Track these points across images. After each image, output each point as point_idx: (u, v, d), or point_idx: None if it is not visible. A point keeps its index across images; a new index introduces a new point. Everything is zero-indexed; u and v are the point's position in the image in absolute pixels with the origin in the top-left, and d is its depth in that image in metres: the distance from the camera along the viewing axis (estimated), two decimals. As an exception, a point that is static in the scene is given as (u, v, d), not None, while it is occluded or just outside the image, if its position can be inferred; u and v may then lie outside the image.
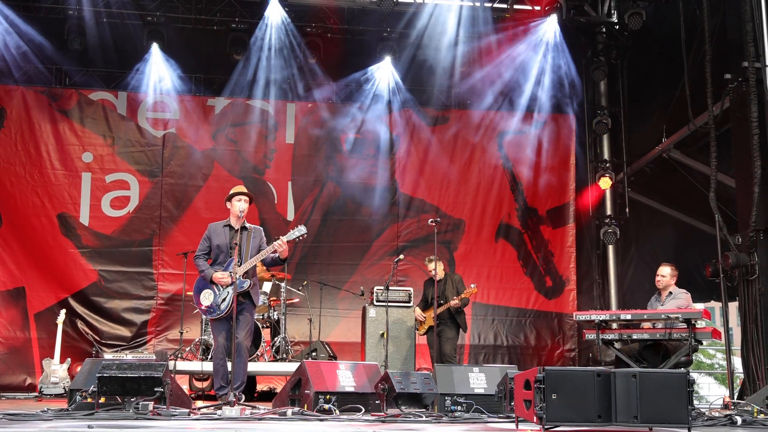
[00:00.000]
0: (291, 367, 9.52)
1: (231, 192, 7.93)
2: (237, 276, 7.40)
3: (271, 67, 12.77)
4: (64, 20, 12.30)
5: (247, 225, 7.74)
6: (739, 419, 6.40)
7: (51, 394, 10.39)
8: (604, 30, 13.57)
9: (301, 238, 7.67)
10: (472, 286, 10.19)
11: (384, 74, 13.22)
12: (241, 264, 7.49)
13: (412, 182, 13.59)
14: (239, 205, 7.67)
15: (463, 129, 13.78)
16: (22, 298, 12.38)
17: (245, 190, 7.89)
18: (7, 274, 12.36)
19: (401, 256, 11.35)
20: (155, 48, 12.68)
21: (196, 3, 12.63)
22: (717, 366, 24.60)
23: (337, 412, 6.63)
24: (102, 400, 6.55)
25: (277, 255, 7.56)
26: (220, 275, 7.53)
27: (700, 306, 8.63)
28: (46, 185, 12.70)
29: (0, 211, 12.46)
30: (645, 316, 8.19)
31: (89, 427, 4.87)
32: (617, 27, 13.33)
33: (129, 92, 13.05)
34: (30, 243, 12.47)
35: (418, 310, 10.60)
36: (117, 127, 13.03)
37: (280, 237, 7.54)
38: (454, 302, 10.07)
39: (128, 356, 11.00)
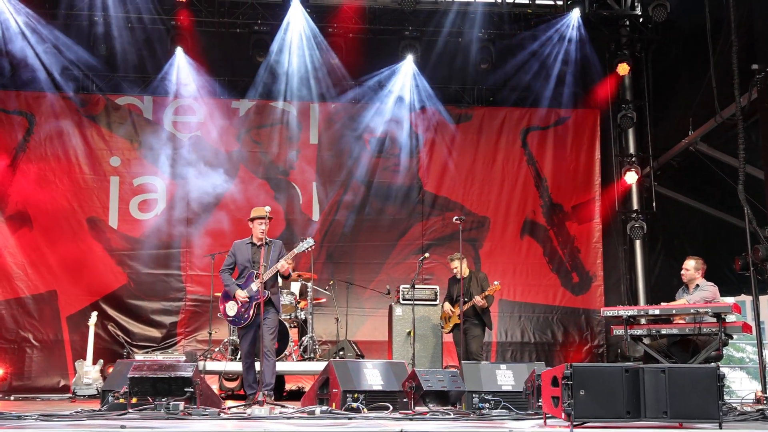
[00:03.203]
0: (319, 366, 9.53)
1: (252, 215, 8.27)
2: (255, 288, 7.88)
3: (294, 68, 12.79)
4: (90, 27, 12.39)
5: (267, 240, 8.14)
6: (771, 414, 6.29)
7: (84, 395, 10.49)
8: (627, 23, 13.44)
9: (309, 249, 8.22)
10: (496, 283, 10.14)
11: (406, 73, 13.18)
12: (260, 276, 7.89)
13: (437, 180, 13.56)
14: (259, 228, 8.12)
15: (487, 126, 13.74)
16: (54, 301, 12.52)
17: (264, 214, 8.17)
18: (39, 277, 12.51)
19: (426, 255, 11.31)
20: (179, 52, 12.75)
21: (219, 6, 12.67)
22: (748, 360, 24.24)
23: (365, 410, 6.62)
24: (134, 400, 6.61)
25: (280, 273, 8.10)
26: (240, 294, 7.98)
27: (730, 300, 8.52)
28: (76, 189, 12.84)
29: (31, 215, 12.61)
30: (674, 311, 8.08)
31: (122, 427, 4.90)
32: (641, 20, 13.19)
33: (155, 96, 13.16)
34: (61, 247, 12.59)
35: (447, 305, 10.54)
36: (143, 131, 13.13)
37: (281, 258, 8.01)
38: (479, 301, 10.01)
39: (159, 357, 11.06)
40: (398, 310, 10.92)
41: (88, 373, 10.74)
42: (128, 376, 6.74)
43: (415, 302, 10.82)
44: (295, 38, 12.52)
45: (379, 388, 6.99)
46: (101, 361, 10.96)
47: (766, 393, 8.78)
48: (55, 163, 12.83)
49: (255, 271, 7.96)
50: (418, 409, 6.71)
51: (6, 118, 12.82)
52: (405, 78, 13.22)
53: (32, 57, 12.34)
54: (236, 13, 12.73)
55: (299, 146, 13.42)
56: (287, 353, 10.37)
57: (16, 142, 12.78)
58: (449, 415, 6.44)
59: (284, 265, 7.93)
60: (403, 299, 10.97)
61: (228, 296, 8.16)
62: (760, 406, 7.15)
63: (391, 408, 6.70)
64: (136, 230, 12.92)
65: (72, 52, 12.50)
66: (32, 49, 12.29)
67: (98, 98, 13.04)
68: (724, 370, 5.42)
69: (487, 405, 6.83)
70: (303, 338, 10.76)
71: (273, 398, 8.04)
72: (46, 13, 12.22)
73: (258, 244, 8.10)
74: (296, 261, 10.90)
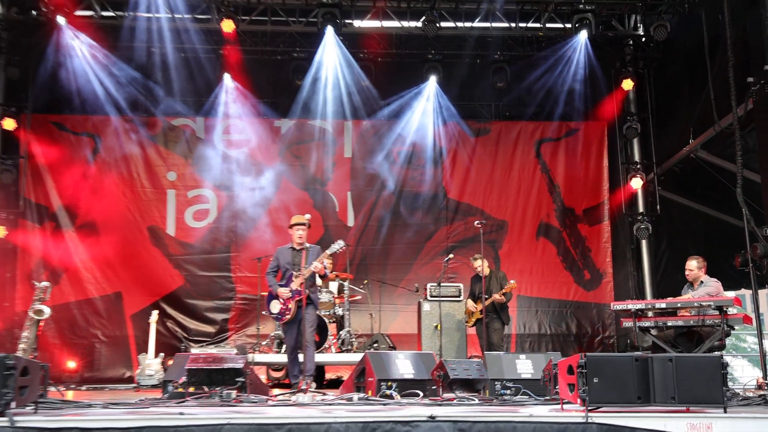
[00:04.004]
0: (355, 357, 9.52)
1: (291, 223, 8.36)
2: (295, 287, 7.96)
3: (329, 90, 12.81)
4: (148, 56, 12.55)
5: (306, 245, 8.24)
6: (772, 398, 6.16)
7: (147, 385, 10.59)
8: (631, 42, 13.35)
9: (341, 250, 8.30)
10: (512, 281, 10.14)
11: (430, 92, 13.15)
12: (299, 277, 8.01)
13: (459, 188, 13.52)
14: (297, 234, 8.23)
15: (504, 138, 13.70)
16: (120, 301, 12.66)
17: (302, 221, 8.28)
18: (105, 280, 12.66)
19: (451, 256, 11.33)
20: (227, 77, 12.87)
21: (261, 36, 12.78)
22: (750, 349, 23.89)
23: (398, 396, 6.62)
24: (191, 389, 6.67)
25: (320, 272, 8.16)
26: (282, 291, 8.08)
27: (731, 294, 8.39)
28: (137, 201, 12.99)
29: (98, 225, 12.77)
30: (679, 305, 8.00)
31: (181, 413, 4.93)
32: (643, 39, 13.10)
33: (206, 117, 13.25)
34: (125, 252, 12.73)
35: (470, 302, 10.53)
36: (196, 148, 13.24)
37: (316, 260, 8.05)
38: (498, 297, 10.00)
39: (212, 350, 11.13)
40: (426, 306, 10.90)
41: (150, 365, 10.83)
42: (186, 367, 6.80)
43: (441, 299, 10.82)
44: (330, 63, 12.55)
45: (411, 376, 6.97)
46: (162, 354, 11.05)
47: (767, 379, 8.62)
48: (119, 178, 12.99)
49: (294, 273, 8.04)
50: (446, 395, 6.68)
51: (75, 139, 13.00)
52: (429, 97, 13.19)
53: (97, 84, 12.47)
54: (277, 41, 12.84)
55: (335, 160, 13.44)
56: (327, 346, 10.38)
57: (85, 160, 12.95)
58: (474, 400, 6.40)
59: (317, 266, 7.98)
60: (431, 296, 10.95)
61: (272, 296, 8.23)
62: (762, 392, 7.00)
63: (422, 395, 6.68)
64: (191, 237, 13.03)
65: (133, 80, 12.64)
66: (97, 77, 12.45)
67: (156, 120, 13.16)
68: (727, 358, 5.31)
69: (508, 391, 6.78)
70: (341, 332, 10.76)
71: (315, 386, 8.07)
72: (109, 45, 12.37)
73: (298, 248, 8.19)
74: (334, 263, 10.96)
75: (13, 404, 4.76)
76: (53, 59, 12.20)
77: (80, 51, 12.18)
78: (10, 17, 12.36)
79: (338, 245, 8.22)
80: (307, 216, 8.40)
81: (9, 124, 12.37)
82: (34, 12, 12.17)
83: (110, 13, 12.17)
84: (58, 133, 12.95)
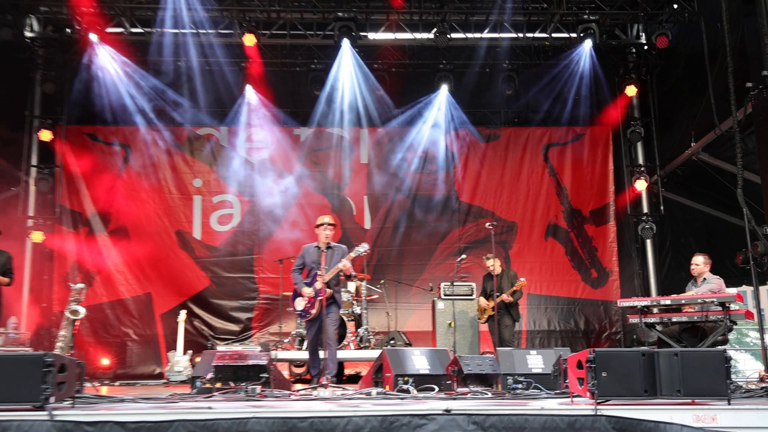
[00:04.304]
0: (373, 354, 9.53)
1: (318, 222, 8.14)
2: (321, 286, 7.77)
3: (345, 99, 12.83)
4: (175, 70, 12.62)
5: (332, 244, 8.06)
6: (774, 391, 6.10)
7: (176, 381, 10.62)
8: (633, 50, 13.29)
9: (365, 252, 8.08)
10: (522, 279, 10.11)
11: (441, 100, 13.14)
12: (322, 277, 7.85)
13: (470, 192, 13.49)
14: (324, 233, 8.02)
15: (513, 144, 13.65)
16: (150, 301, 12.73)
17: (330, 220, 8.11)
18: (136, 282, 12.74)
19: (463, 256, 11.29)
20: (249, 88, 12.93)
21: (281, 49, 12.83)
22: (752, 344, 23.73)
23: (414, 391, 6.59)
24: (218, 385, 6.66)
25: (344, 272, 7.94)
26: (306, 290, 7.91)
27: (733, 290, 8.31)
28: (165, 207, 13.06)
29: (129, 229, 12.86)
30: (683, 301, 7.93)
31: (209, 408, 4.95)
32: (645, 47, 13.02)
33: (229, 126, 13.30)
34: (154, 255, 12.80)
35: (482, 300, 10.50)
36: (221, 156, 13.30)
37: (343, 259, 7.86)
38: (506, 297, 9.97)
39: (237, 348, 11.16)
40: (440, 305, 10.89)
41: (179, 362, 10.87)
42: (213, 364, 6.80)
43: (455, 297, 10.81)
44: (346, 74, 12.57)
45: (426, 371, 6.95)
46: (190, 351, 11.08)
47: (768, 372, 8.53)
48: (148, 185, 13.07)
49: (319, 272, 7.86)
50: (461, 389, 6.66)
51: (107, 149, 13.10)
52: (440, 104, 13.18)
53: (127, 97, 12.58)
54: (296, 54, 12.88)
55: (352, 165, 13.46)
56: (345, 343, 10.38)
57: (116, 169, 13.05)
58: (487, 394, 6.38)
59: (346, 264, 7.79)
60: (444, 295, 10.94)
61: (297, 293, 8.10)
62: (764, 384, 6.93)
63: (437, 389, 6.65)
64: (216, 240, 13.08)
65: (160, 92, 12.74)
66: (127, 90, 12.54)
67: (182, 130, 13.24)
68: (730, 352, 5.26)
69: (520, 385, 6.74)
70: (359, 330, 10.76)
71: (335, 382, 8.01)
72: (138, 60, 12.47)
73: (323, 248, 8.02)
74: (352, 264, 10.94)
75: (51, 399, 4.79)
76: (86, 74, 12.33)
77: (111, 66, 12.29)
78: (45, 35, 12.51)
79: (362, 248, 8.02)
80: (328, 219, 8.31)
81: (45, 135, 12.51)
82: (68, 30, 12.30)
83: (139, 30, 12.26)
84: (91, 143, 13.06)
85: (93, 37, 11.83)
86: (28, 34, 12.41)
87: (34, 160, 12.75)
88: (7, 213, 11.80)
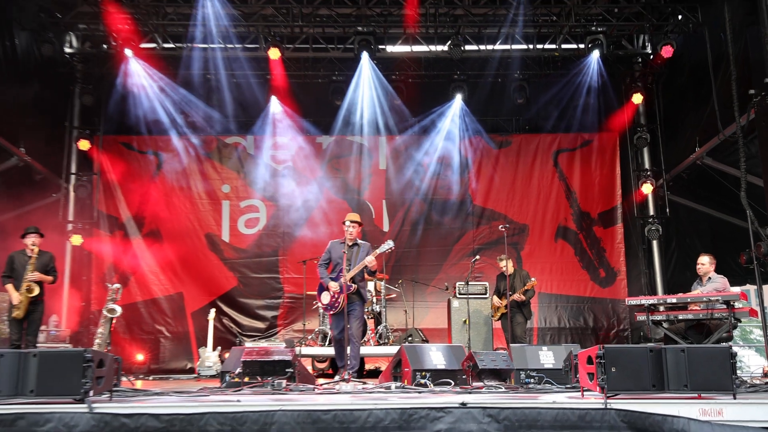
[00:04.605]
0: (392, 350, 9.53)
1: (345, 219, 8.00)
2: (345, 282, 7.64)
3: (365, 108, 12.85)
4: (204, 83, 12.69)
5: (358, 241, 7.95)
6: (778, 386, 6.01)
7: (206, 375, 10.68)
8: (640, 60, 13.19)
9: (390, 250, 7.89)
10: (533, 279, 10.07)
11: (456, 109, 13.13)
12: (349, 271, 7.71)
13: (483, 195, 13.46)
14: (349, 230, 7.88)
15: (524, 150, 13.61)
16: (181, 300, 12.82)
17: (355, 218, 7.99)
18: (168, 282, 12.85)
19: (477, 257, 11.26)
20: (274, 99, 13.00)
21: (304, 62, 12.88)
22: (756, 340, 23.52)
23: (431, 385, 6.58)
24: (246, 379, 6.69)
25: (368, 268, 7.77)
26: (332, 285, 7.73)
27: (737, 289, 8.24)
28: (195, 211, 13.16)
29: (162, 232, 12.97)
30: (688, 300, 7.85)
31: (238, 401, 4.97)
32: (651, 56, 12.90)
33: (255, 135, 13.37)
34: (185, 257, 12.90)
35: (495, 298, 10.46)
36: (247, 163, 13.38)
37: (369, 255, 7.72)
38: (517, 297, 9.92)
39: (264, 344, 11.21)
40: (455, 303, 10.86)
41: (209, 357, 10.93)
42: (241, 359, 6.83)
43: (469, 296, 10.76)
44: (366, 85, 12.59)
45: (443, 367, 6.93)
46: (219, 347, 11.15)
47: (772, 368, 8.43)
48: (179, 191, 13.18)
49: (344, 267, 7.72)
50: (476, 384, 6.64)
51: (141, 157, 13.23)
52: (455, 113, 13.17)
53: (160, 108, 12.68)
54: (318, 66, 12.92)
55: (371, 171, 13.48)
56: (366, 339, 10.38)
57: (149, 175, 13.18)
58: (501, 388, 6.36)
59: (371, 260, 7.64)
60: (459, 294, 10.90)
61: (323, 287, 7.93)
62: (768, 379, 6.85)
63: (453, 383, 6.64)
64: (244, 242, 13.15)
65: (190, 103, 12.82)
66: (160, 102, 12.65)
67: (211, 139, 13.34)
68: (735, 348, 5.19)
69: (532, 380, 6.72)
70: (379, 327, 10.76)
71: (356, 376, 7.98)
72: (170, 73, 12.56)
73: (350, 244, 7.87)
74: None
75: (91, 393, 4.83)
76: (122, 87, 12.46)
77: (145, 79, 12.41)
78: (84, 51, 12.65)
79: (387, 245, 7.85)
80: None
81: (84, 144, 12.66)
82: (104, 46, 12.43)
83: (170, 45, 12.36)
84: (126, 152, 13.19)
85: (128, 52, 11.96)
86: (67, 50, 12.57)
87: (73, 168, 12.90)
88: (48, 218, 11.92)
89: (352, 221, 7.92)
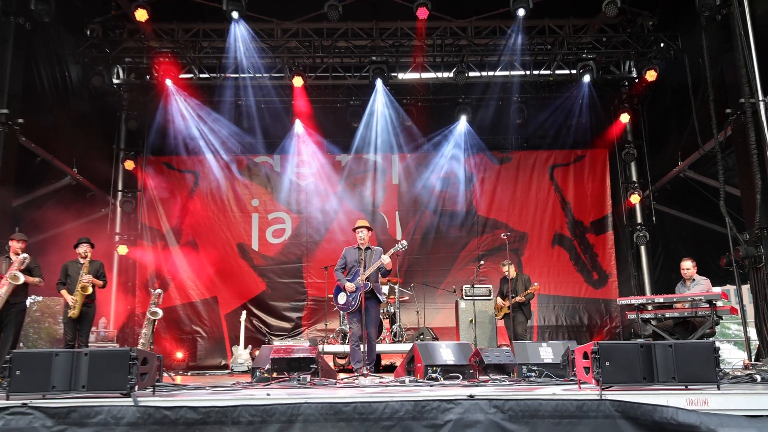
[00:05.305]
0: (405, 347, 9.48)
1: (355, 226, 7.98)
2: (361, 282, 7.54)
3: (379, 129, 12.88)
4: (236, 108, 12.80)
5: (370, 246, 7.85)
6: (758, 377, 5.91)
7: (238, 371, 10.65)
8: (626, 83, 13.12)
9: (403, 248, 7.69)
10: (535, 284, 9.99)
11: (461, 129, 13.12)
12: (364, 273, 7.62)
13: (486, 207, 13.40)
14: (360, 235, 7.80)
15: (523, 165, 13.55)
16: (216, 304, 12.85)
17: (364, 224, 7.93)
18: (204, 287, 12.88)
19: (482, 262, 11.25)
20: (298, 122, 13.06)
21: (325, 89, 12.94)
22: (734, 335, 23.32)
23: (442, 379, 6.52)
24: (274, 374, 6.66)
25: (384, 268, 7.63)
26: (348, 285, 7.65)
27: (718, 289, 8.14)
28: (228, 223, 13.20)
29: (198, 242, 13.02)
30: (674, 299, 7.78)
31: (268, 394, 4.97)
32: (637, 80, 12.84)
33: (281, 154, 13.41)
34: (219, 264, 12.93)
35: (499, 300, 10.40)
36: (274, 180, 13.42)
37: (384, 255, 7.59)
38: (520, 298, 9.86)
39: (290, 343, 11.19)
40: (462, 304, 10.80)
41: (241, 355, 10.91)
42: (270, 357, 6.80)
43: (475, 298, 10.70)
44: (380, 108, 12.62)
45: (452, 362, 6.88)
46: (250, 346, 11.14)
47: (751, 361, 8.30)
48: (213, 205, 13.24)
49: (360, 269, 7.61)
50: (482, 377, 6.60)
51: (180, 175, 13.33)
52: (460, 133, 13.16)
53: (196, 132, 12.79)
54: (337, 92, 12.98)
55: (385, 186, 13.47)
56: (381, 338, 10.36)
57: (187, 191, 13.26)
58: (505, 382, 6.31)
59: (387, 260, 7.48)
60: (466, 296, 10.84)
61: (339, 289, 7.81)
62: (748, 372, 6.73)
63: (461, 377, 6.59)
64: (271, 251, 13.18)
65: (224, 126, 12.91)
66: (196, 126, 12.76)
67: (242, 158, 13.40)
68: (717, 344, 5.12)
69: (533, 374, 6.65)
70: (393, 326, 10.73)
71: (373, 371, 7.91)
72: (205, 100, 12.69)
73: (362, 248, 7.76)
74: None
75: (136, 387, 4.85)
76: (163, 113, 12.58)
77: (183, 105, 12.52)
78: (129, 82, 12.82)
79: (401, 245, 7.67)
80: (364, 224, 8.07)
81: (129, 164, 12.80)
82: (148, 77, 12.58)
83: (206, 75, 12.49)
84: (166, 170, 13.29)
85: (168, 82, 12.09)
86: (115, 81, 12.74)
87: (120, 186, 13.04)
88: (98, 230, 12.05)
89: (361, 226, 7.87)
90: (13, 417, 4.43)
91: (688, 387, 4.88)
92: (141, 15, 10.08)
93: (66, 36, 11.08)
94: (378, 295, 7.78)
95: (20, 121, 8.94)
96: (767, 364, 7.34)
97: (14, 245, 7.82)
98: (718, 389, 4.83)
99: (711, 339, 7.24)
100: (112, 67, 12.52)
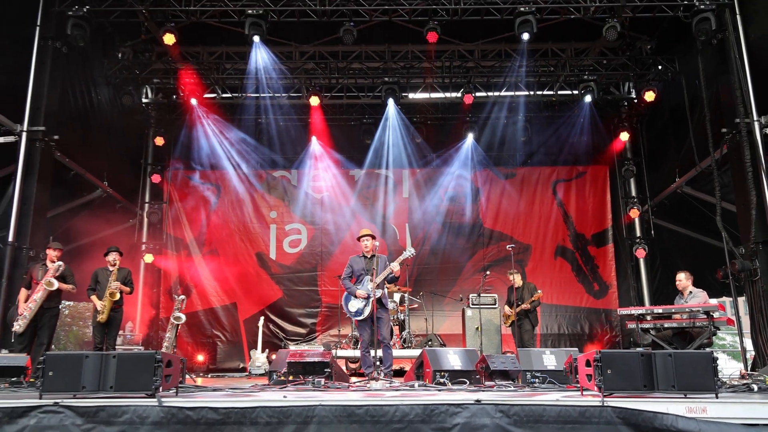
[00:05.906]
0: (415, 352, 9.44)
1: (359, 235, 7.90)
2: (372, 289, 7.45)
3: (391, 146, 12.91)
4: (256, 125, 12.89)
5: (376, 254, 7.68)
6: (755, 387, 5.81)
7: (256, 374, 10.60)
8: (626, 103, 13.08)
9: (411, 255, 7.59)
10: (539, 291, 9.92)
11: (468, 146, 13.13)
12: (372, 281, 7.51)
13: (492, 219, 13.36)
14: (365, 243, 7.69)
15: (527, 180, 13.51)
16: (235, 310, 12.85)
17: (368, 233, 7.80)
18: (224, 294, 12.90)
19: (488, 273, 11.18)
20: (314, 139, 13.12)
21: (339, 107, 13.01)
22: (729, 346, 23.01)
23: (449, 384, 6.49)
24: (290, 377, 6.67)
25: (392, 274, 7.49)
26: (360, 292, 7.49)
27: (715, 301, 8.03)
28: (248, 234, 13.24)
29: (219, 251, 13.06)
30: (673, 310, 7.68)
31: (284, 396, 4.95)
32: (636, 100, 12.80)
33: (298, 169, 13.46)
34: (238, 272, 12.96)
35: (506, 308, 10.33)
36: (291, 193, 13.46)
37: (393, 262, 7.50)
38: (525, 306, 9.79)
39: (305, 347, 11.17)
40: (469, 312, 10.74)
41: (259, 359, 10.88)
42: (286, 360, 6.81)
43: (481, 306, 10.64)
44: (391, 126, 12.65)
45: (459, 368, 6.83)
46: (267, 350, 11.09)
47: (748, 371, 8.17)
48: (234, 216, 13.29)
49: (368, 277, 7.49)
50: (488, 383, 6.54)
51: (203, 188, 13.37)
52: (467, 149, 13.16)
53: (219, 147, 12.89)
54: (351, 111, 13.05)
55: (396, 199, 13.46)
56: (392, 343, 10.28)
57: (210, 204, 13.32)
58: (510, 387, 6.25)
59: (396, 267, 7.37)
60: (472, 304, 10.78)
61: (349, 297, 7.59)
62: (745, 381, 6.62)
63: (468, 382, 6.54)
64: (288, 260, 13.19)
65: (244, 142, 13.00)
66: (219, 142, 12.86)
67: (261, 172, 13.46)
68: (715, 354, 5.05)
69: (537, 380, 6.58)
70: (403, 333, 10.69)
71: (383, 376, 7.78)
72: (228, 118, 12.79)
73: (369, 256, 7.60)
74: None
75: (160, 388, 4.86)
76: (188, 130, 12.71)
77: (207, 123, 12.63)
78: (157, 101, 12.97)
79: (409, 252, 7.54)
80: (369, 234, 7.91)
81: (156, 178, 12.90)
82: (174, 96, 12.72)
83: (228, 95, 12.62)
84: (191, 184, 13.37)
85: (193, 101, 12.21)
86: (144, 100, 12.89)
87: (147, 198, 13.12)
88: (126, 239, 12.12)
89: (365, 235, 7.74)
90: (46, 415, 4.45)
91: (687, 395, 4.80)
92: (169, 39, 10.20)
93: (99, 58, 11.23)
94: (385, 302, 7.59)
95: (56, 137, 9.05)
96: (764, 374, 7.22)
97: (51, 253, 7.89)
98: (717, 398, 4.75)
99: (709, 349, 7.14)
100: (141, 87, 12.67)
